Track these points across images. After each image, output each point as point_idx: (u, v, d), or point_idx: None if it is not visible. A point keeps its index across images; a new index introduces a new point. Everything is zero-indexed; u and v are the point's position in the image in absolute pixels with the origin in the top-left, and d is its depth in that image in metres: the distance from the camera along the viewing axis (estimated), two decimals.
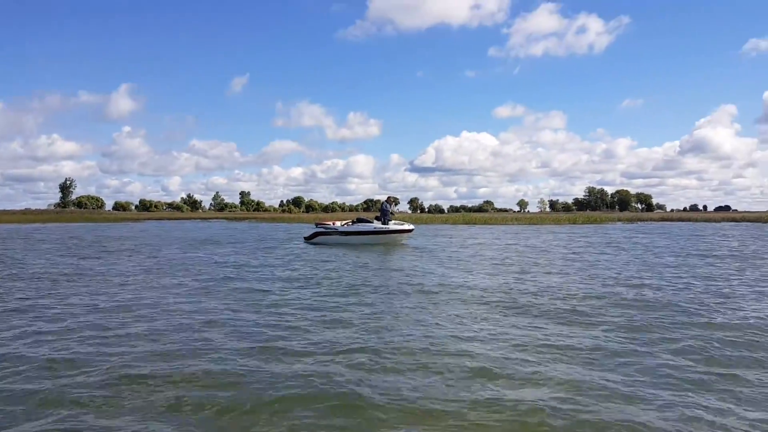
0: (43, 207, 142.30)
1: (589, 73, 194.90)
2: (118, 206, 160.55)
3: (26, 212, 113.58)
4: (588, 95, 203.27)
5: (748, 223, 65.16)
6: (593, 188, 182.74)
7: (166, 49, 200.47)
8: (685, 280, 13.87)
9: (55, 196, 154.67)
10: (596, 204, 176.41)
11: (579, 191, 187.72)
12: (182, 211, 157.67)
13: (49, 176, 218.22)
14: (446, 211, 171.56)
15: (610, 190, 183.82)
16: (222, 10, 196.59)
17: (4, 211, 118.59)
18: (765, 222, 66.33)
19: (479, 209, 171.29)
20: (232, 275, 15.28)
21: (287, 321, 9.19)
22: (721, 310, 9.76)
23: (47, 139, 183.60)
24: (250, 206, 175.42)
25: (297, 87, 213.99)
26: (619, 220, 79.93)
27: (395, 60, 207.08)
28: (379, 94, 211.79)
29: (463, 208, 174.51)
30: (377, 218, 27.34)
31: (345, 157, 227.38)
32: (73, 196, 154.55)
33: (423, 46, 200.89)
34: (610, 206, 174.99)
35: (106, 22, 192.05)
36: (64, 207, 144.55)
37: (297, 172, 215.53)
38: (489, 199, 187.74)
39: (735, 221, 73.41)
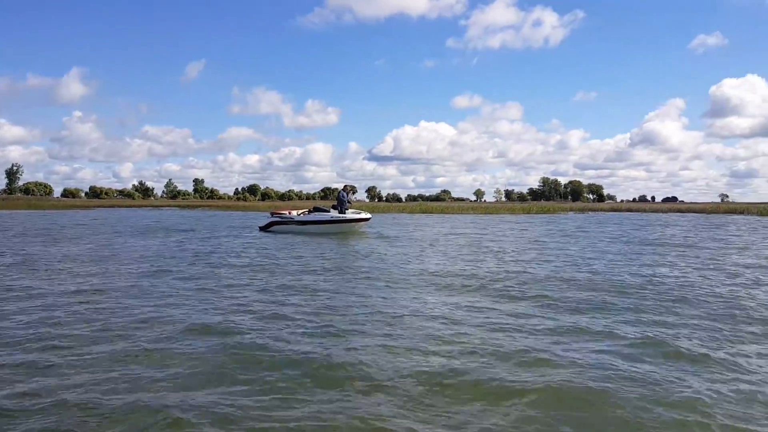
0: None
1: (545, 66, 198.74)
2: (68, 193, 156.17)
3: None
4: (543, 87, 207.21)
5: (694, 214, 67.48)
6: (547, 179, 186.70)
7: (120, 32, 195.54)
8: (622, 264, 14.63)
9: (1, 183, 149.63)
10: (550, 194, 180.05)
11: (534, 181, 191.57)
12: (134, 199, 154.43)
13: None
14: (404, 200, 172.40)
15: (563, 180, 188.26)
16: None
17: None
18: (708, 213, 68.83)
19: (437, 198, 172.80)
20: (177, 266, 14.83)
21: (237, 306, 9.21)
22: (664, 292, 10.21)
23: None
24: (204, 194, 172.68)
25: (254, 73, 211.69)
26: (571, 210, 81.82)
27: (354, 48, 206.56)
28: (337, 82, 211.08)
29: (421, 197, 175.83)
30: (334, 207, 26.97)
31: (302, 144, 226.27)
32: (20, 183, 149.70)
33: (382, 35, 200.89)
34: (563, 196, 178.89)
35: (56, 3, 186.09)
36: (11, 193, 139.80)
37: (253, 159, 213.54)
38: (447, 189, 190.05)
39: (681, 212, 75.97)
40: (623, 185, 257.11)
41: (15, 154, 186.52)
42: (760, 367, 6.25)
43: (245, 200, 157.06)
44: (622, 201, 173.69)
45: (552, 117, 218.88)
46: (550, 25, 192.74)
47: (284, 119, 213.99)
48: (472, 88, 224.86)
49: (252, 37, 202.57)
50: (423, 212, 67.78)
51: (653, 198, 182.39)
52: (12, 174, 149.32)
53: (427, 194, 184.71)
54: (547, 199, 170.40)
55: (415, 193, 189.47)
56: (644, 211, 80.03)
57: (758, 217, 54.87)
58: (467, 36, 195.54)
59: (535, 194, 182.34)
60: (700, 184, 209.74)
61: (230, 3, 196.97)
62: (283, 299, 9.97)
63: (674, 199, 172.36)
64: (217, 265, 14.93)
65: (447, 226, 36.20)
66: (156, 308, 9.12)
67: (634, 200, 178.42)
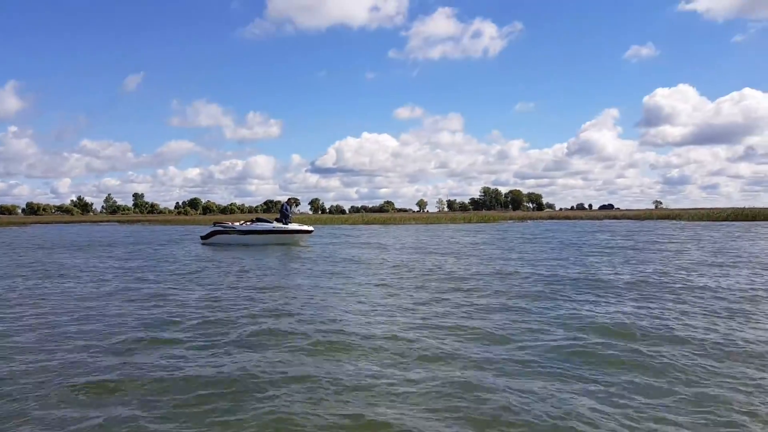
0: None
1: (485, 77, 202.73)
2: (3, 210, 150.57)
3: None
4: (483, 98, 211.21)
5: (628, 220, 70.78)
6: (488, 188, 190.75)
7: (56, 45, 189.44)
8: (554, 265, 15.84)
9: None
10: (491, 203, 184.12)
11: (476, 191, 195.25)
12: (72, 215, 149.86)
13: None
14: (347, 212, 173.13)
15: (504, 190, 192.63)
16: (117, 5, 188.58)
17: None
18: (642, 219, 72.41)
19: (380, 209, 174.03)
20: (120, 279, 15.24)
21: (175, 316, 9.61)
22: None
23: None
24: (144, 208, 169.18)
25: (194, 85, 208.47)
26: (511, 218, 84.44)
27: (295, 60, 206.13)
28: (279, 94, 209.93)
29: (364, 209, 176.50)
30: (278, 219, 27.24)
31: (244, 157, 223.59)
32: None
33: (323, 46, 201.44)
34: (504, 205, 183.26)
35: None
36: None
37: (194, 173, 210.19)
38: (390, 200, 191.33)
39: (616, 218, 79.62)
40: (562, 194, 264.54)
41: None
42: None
43: (186, 214, 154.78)
44: (560, 209, 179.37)
45: (492, 128, 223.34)
46: (489, 36, 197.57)
47: (225, 132, 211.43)
48: (414, 99, 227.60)
49: (191, 48, 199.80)
50: (366, 223, 68.66)
51: (590, 206, 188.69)
52: None
53: (371, 205, 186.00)
54: (489, 208, 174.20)
55: (359, 204, 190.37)
56: (581, 218, 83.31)
57: (687, 222, 58.33)
58: (408, 47, 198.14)
59: (476, 204, 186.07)
60: (635, 191, 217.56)
61: (170, 15, 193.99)
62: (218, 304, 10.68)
63: (611, 206, 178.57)
64: (152, 279, 15.34)
65: (387, 237, 37.19)
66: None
67: (572, 208, 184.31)
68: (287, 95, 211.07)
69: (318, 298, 11.16)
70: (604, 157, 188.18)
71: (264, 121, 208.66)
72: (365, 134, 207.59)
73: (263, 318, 9.22)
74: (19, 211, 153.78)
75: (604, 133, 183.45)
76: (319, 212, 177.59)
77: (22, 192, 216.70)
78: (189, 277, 15.09)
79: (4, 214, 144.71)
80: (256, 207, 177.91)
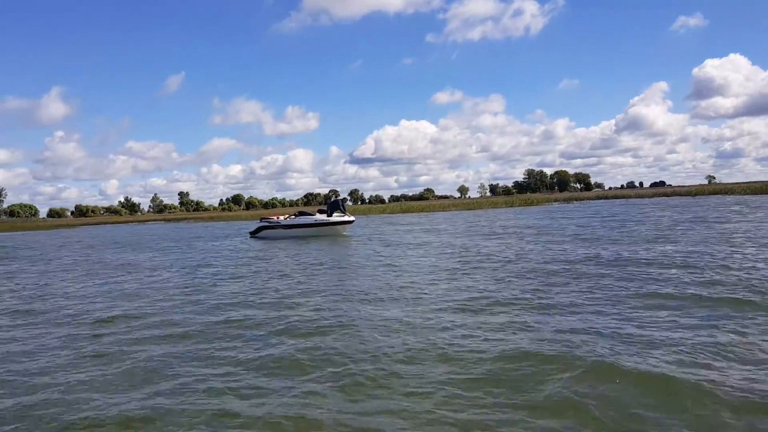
0: None
1: (527, 56, 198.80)
2: (54, 213, 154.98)
3: None
4: (526, 78, 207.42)
5: (680, 198, 67.62)
6: (532, 170, 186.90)
7: (99, 49, 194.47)
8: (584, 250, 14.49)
9: None
10: (536, 186, 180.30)
11: (519, 174, 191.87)
12: (120, 215, 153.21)
13: None
14: (387, 201, 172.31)
15: (549, 171, 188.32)
16: (155, 8, 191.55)
17: None
18: (693, 196, 69.08)
19: (420, 197, 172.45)
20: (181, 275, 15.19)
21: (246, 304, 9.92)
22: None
23: None
24: (189, 206, 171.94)
25: (233, 83, 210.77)
26: (556, 200, 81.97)
27: (331, 51, 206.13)
28: (316, 87, 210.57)
29: (404, 197, 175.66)
30: (320, 211, 28.30)
31: (284, 152, 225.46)
32: (4, 205, 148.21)
33: (359, 35, 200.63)
34: (550, 187, 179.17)
35: (32, 24, 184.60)
36: None
37: (236, 169, 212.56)
38: (430, 187, 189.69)
39: (666, 196, 76.35)
40: (611, 172, 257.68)
41: None
42: None
43: (230, 210, 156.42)
44: (609, 188, 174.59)
45: (536, 107, 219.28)
46: (530, 13, 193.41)
47: (265, 127, 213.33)
48: (453, 83, 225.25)
49: (230, 47, 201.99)
50: (404, 212, 67.61)
51: (641, 184, 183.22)
52: None
53: (410, 194, 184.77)
54: (533, 191, 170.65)
55: (398, 193, 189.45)
56: (629, 197, 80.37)
57: (743, 197, 55.20)
58: (446, 30, 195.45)
59: (520, 187, 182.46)
60: (687, 167, 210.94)
61: (207, 14, 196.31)
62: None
63: (662, 183, 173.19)
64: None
65: (423, 224, 36.07)
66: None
67: (621, 187, 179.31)
68: (324, 87, 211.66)
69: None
70: (654, 133, 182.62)
71: (302, 114, 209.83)
72: (403, 122, 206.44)
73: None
74: (68, 213, 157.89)
75: (653, 108, 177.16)
76: (359, 203, 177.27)
77: (71, 195, 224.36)
78: (258, 265, 16.06)
79: (54, 217, 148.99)
80: (297, 200, 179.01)
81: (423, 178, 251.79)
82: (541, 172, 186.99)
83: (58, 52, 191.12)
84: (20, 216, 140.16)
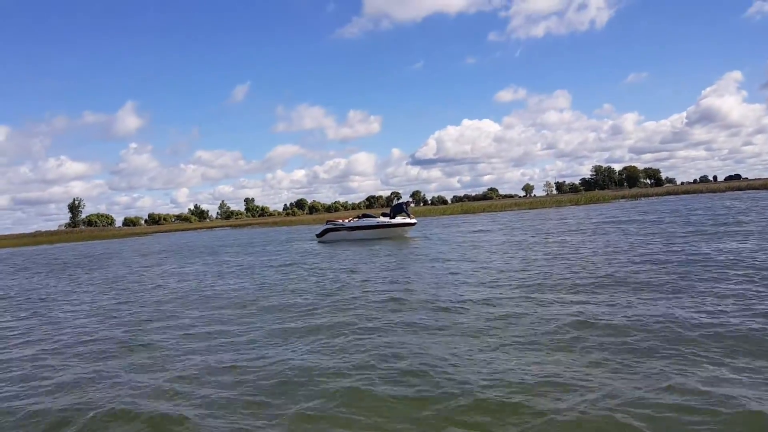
0: (54, 228, 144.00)
1: (593, 50, 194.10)
2: (128, 222, 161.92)
3: (36, 234, 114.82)
4: (592, 72, 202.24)
5: (755, 191, 64.30)
6: (600, 167, 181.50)
7: (168, 63, 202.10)
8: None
9: (66, 217, 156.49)
10: (604, 182, 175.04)
11: (587, 171, 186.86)
12: (191, 222, 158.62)
13: (59, 198, 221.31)
14: (450, 202, 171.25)
15: (617, 167, 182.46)
16: (220, 20, 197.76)
17: (15, 234, 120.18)
18: None
19: (483, 197, 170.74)
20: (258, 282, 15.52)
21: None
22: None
23: (56, 161, 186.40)
24: (255, 212, 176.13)
25: (297, 90, 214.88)
26: (623, 197, 79.44)
27: (393, 54, 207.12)
28: (378, 90, 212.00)
29: (467, 197, 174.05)
30: (383, 214, 29.00)
31: (346, 155, 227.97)
32: (83, 215, 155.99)
33: (420, 37, 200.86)
34: (619, 183, 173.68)
35: (106, 42, 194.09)
36: (74, 226, 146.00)
37: (300, 174, 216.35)
38: (494, 186, 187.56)
39: (740, 190, 72.71)
40: (683, 167, 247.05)
41: (77, 189, 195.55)
42: None
43: (293, 215, 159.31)
44: (681, 183, 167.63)
45: (603, 102, 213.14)
46: (595, 7, 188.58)
47: (328, 132, 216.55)
48: (517, 80, 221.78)
49: (293, 55, 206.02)
50: (464, 213, 67.11)
51: (715, 178, 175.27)
52: (74, 208, 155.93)
53: (474, 194, 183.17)
54: (602, 187, 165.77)
55: (461, 193, 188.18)
56: (701, 192, 76.99)
57: None
58: (509, 27, 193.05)
59: (587, 184, 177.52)
60: (765, 159, 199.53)
61: (270, 24, 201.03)
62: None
63: (737, 176, 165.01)
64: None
65: (478, 226, 35.70)
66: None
67: (694, 181, 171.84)
68: (386, 90, 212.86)
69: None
70: (729, 124, 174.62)
71: (364, 118, 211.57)
72: (465, 121, 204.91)
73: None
74: (142, 222, 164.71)
75: (727, 99, 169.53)
76: (421, 204, 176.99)
77: (145, 204, 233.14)
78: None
79: (129, 225, 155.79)
80: (359, 203, 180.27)
81: (486, 178, 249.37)
82: (609, 168, 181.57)
83: (132, 67, 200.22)
84: (97, 225, 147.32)
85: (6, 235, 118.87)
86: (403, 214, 28.60)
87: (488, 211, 65.35)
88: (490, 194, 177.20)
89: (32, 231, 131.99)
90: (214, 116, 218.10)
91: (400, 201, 30.12)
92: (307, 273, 15.92)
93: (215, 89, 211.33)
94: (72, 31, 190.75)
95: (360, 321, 8.78)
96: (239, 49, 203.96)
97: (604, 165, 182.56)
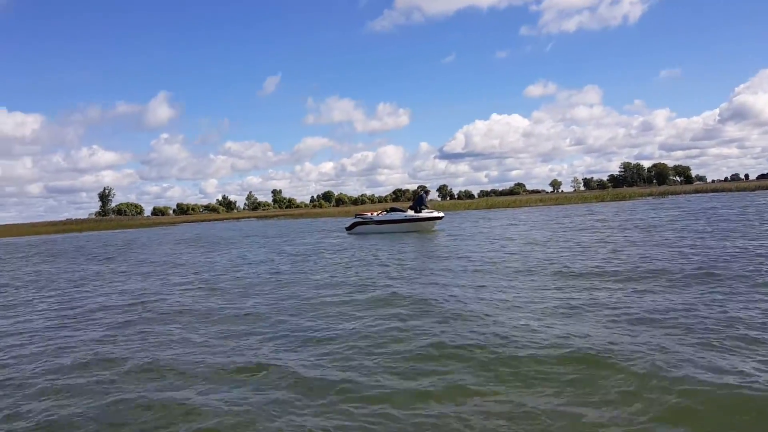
0: (85, 217, 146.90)
1: (624, 45, 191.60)
2: (157, 211, 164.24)
3: (67, 223, 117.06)
4: (624, 67, 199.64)
5: None
6: (629, 163, 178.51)
7: (200, 55, 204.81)
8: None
9: (96, 206, 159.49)
10: (633, 179, 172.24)
11: (616, 167, 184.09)
12: (218, 212, 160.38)
13: (91, 186, 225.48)
14: (477, 196, 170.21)
15: (647, 164, 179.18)
16: (253, 12, 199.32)
17: (46, 222, 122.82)
18: None
19: (510, 192, 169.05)
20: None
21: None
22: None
23: (88, 150, 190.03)
24: (282, 204, 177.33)
25: (327, 83, 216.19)
26: (650, 195, 78.20)
27: (423, 47, 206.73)
28: (407, 83, 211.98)
29: (494, 192, 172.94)
30: (411, 207, 28.96)
31: (374, 148, 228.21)
32: (113, 204, 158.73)
33: (451, 30, 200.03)
34: (647, 181, 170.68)
35: (140, 33, 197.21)
36: (104, 215, 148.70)
37: (328, 167, 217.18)
38: (521, 181, 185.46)
39: None
40: (714, 164, 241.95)
41: (108, 178, 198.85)
42: None
43: (320, 207, 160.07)
44: (712, 181, 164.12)
45: (634, 98, 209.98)
46: (628, 2, 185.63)
47: (356, 125, 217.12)
48: (547, 75, 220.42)
49: (324, 47, 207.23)
50: (490, 207, 66.85)
51: (746, 176, 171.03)
52: (104, 197, 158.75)
53: (501, 188, 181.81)
54: (630, 184, 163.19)
55: (489, 188, 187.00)
56: (730, 190, 75.42)
57: None
58: (541, 22, 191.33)
59: (616, 180, 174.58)
60: None
61: (303, 16, 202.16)
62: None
63: None
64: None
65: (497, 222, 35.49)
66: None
67: (726, 179, 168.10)
68: (415, 83, 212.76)
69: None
70: (763, 122, 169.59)
71: (393, 111, 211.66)
72: (494, 116, 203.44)
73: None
74: (171, 211, 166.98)
75: (761, 96, 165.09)
76: (447, 198, 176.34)
77: (174, 194, 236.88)
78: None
79: (157, 215, 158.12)
80: (386, 196, 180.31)
81: (514, 173, 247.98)
82: (638, 165, 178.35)
83: (164, 59, 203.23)
84: (126, 214, 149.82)
85: (37, 223, 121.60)
86: (423, 205, 28.60)
87: (513, 207, 64.99)
88: (517, 189, 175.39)
89: (63, 219, 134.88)
90: (244, 107, 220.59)
91: (421, 193, 29.98)
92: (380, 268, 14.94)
93: (246, 81, 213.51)
94: (106, 23, 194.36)
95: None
96: (271, 40, 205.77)
97: (633, 162, 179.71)
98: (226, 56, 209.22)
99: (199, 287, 12.94)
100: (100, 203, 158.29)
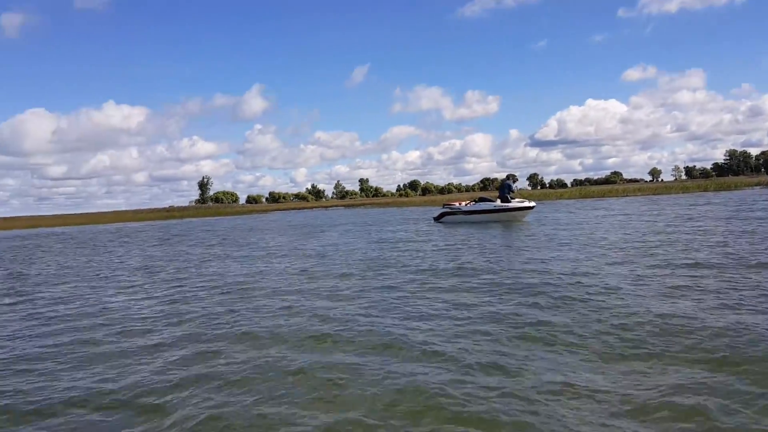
0: (185, 204, 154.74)
1: (731, 26, 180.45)
2: (251, 199, 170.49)
3: (170, 210, 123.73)
4: (730, 49, 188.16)
5: None
6: (734, 151, 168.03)
7: (291, 46, 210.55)
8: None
9: (196, 194, 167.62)
10: (738, 168, 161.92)
11: (721, 155, 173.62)
12: (308, 201, 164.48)
13: (191, 175, 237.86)
14: (569, 186, 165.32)
15: (755, 151, 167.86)
16: (342, 3, 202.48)
17: (151, 209, 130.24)
18: None
19: (606, 181, 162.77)
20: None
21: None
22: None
23: (188, 141, 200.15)
24: (369, 192, 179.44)
25: (415, 71, 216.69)
26: (758, 184, 73.19)
27: (515, 32, 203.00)
28: (497, 70, 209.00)
29: (588, 181, 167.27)
30: (498, 197, 28.04)
31: (462, 136, 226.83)
32: (211, 192, 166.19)
33: (545, 14, 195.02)
34: (755, 169, 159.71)
35: (235, 28, 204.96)
36: (203, 203, 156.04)
37: (414, 155, 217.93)
38: (618, 170, 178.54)
39: None
40: None
41: (207, 167, 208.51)
42: None
43: (406, 196, 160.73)
44: None
45: (742, 81, 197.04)
46: None
47: (444, 113, 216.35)
48: (646, 58, 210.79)
49: (413, 35, 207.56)
50: (583, 197, 64.86)
51: None
52: (203, 185, 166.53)
53: (596, 177, 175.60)
54: (735, 173, 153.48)
55: (582, 177, 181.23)
56: None
57: None
58: (640, 3, 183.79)
59: (720, 169, 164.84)
60: None
61: (392, 4, 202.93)
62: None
63: None
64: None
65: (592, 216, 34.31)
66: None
67: None
68: (506, 70, 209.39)
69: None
70: None
71: (482, 98, 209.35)
72: (590, 101, 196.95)
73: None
74: (263, 199, 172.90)
75: None
76: (538, 187, 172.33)
77: (266, 182, 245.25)
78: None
79: (251, 203, 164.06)
80: (473, 185, 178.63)
81: (611, 161, 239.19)
82: (745, 152, 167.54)
83: (259, 51, 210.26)
84: (223, 202, 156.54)
85: (143, 209, 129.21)
86: (510, 193, 27.71)
87: (607, 196, 62.67)
88: (613, 178, 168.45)
89: (167, 206, 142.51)
90: (333, 97, 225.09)
91: (506, 181, 28.87)
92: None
93: (336, 71, 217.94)
94: (205, 19, 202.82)
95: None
96: (360, 30, 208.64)
97: (740, 149, 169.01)
98: (316, 48, 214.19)
99: (344, 268, 13.44)
100: (199, 191, 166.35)
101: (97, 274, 15.72)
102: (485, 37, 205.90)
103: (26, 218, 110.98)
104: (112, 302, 10.78)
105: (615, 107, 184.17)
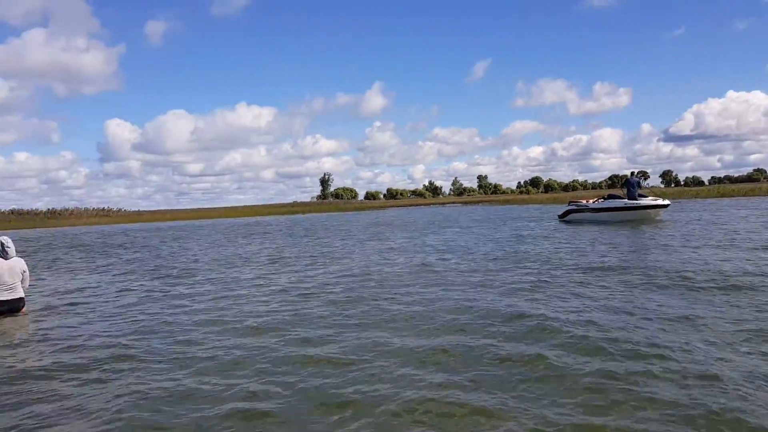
0: (307, 200, 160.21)
1: None
2: (369, 196, 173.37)
3: (294, 205, 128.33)
4: None
5: None
6: None
7: (410, 44, 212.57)
8: None
9: (317, 190, 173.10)
10: None
11: None
12: (425, 197, 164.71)
13: (313, 172, 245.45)
14: (706, 183, 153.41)
15: None
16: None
17: (276, 204, 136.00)
18: None
19: (747, 179, 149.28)
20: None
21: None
22: None
23: (312, 138, 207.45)
24: (487, 189, 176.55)
25: (539, 64, 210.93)
26: None
27: (648, 20, 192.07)
28: (628, 61, 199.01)
29: (728, 179, 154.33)
30: (626, 195, 26.28)
31: (589, 131, 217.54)
32: (332, 189, 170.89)
33: (682, 0, 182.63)
34: None
35: (355, 25, 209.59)
36: (324, 198, 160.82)
37: (536, 151, 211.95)
38: (762, 167, 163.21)
39: None
40: None
41: (328, 164, 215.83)
42: None
43: (527, 193, 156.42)
44: None
45: None
46: None
47: (569, 107, 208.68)
48: None
49: (537, 27, 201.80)
50: (721, 196, 59.68)
51: None
52: (324, 182, 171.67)
53: (736, 175, 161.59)
54: None
55: (721, 174, 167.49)
56: None
57: None
58: None
59: None
60: None
61: None
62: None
63: None
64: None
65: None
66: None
67: None
68: (638, 61, 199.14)
69: None
70: None
71: (612, 91, 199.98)
72: (731, 93, 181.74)
73: None
74: (381, 196, 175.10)
75: None
76: (672, 185, 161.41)
77: (384, 179, 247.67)
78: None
79: (369, 199, 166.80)
80: (600, 183, 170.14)
81: (753, 157, 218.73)
82: None
83: (379, 49, 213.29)
84: (343, 198, 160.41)
85: (268, 204, 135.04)
86: (638, 189, 25.89)
87: (750, 195, 57.20)
88: (757, 176, 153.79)
89: (290, 201, 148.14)
90: (453, 93, 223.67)
91: (631, 178, 26.73)
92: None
93: (456, 67, 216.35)
94: (329, 20, 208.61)
95: None
96: (481, 24, 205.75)
97: None
98: (435, 44, 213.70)
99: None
100: (320, 187, 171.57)
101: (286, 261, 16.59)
102: (615, 27, 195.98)
103: (168, 211, 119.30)
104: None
105: (759, 99, 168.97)
